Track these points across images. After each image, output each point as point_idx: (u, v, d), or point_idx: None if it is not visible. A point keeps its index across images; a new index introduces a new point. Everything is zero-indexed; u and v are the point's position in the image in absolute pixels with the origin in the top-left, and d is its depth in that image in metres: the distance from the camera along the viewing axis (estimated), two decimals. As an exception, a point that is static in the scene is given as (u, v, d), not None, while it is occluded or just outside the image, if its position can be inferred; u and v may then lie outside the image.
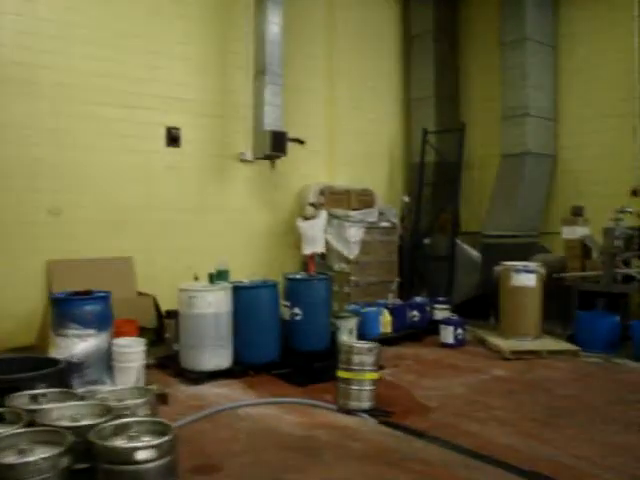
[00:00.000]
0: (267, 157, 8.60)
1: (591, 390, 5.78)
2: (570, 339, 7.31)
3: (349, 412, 5.15)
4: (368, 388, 5.19)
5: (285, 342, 6.83)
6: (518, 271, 7.32)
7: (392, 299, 8.18)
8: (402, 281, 9.90)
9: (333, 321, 7.10)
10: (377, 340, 7.47)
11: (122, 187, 7.92)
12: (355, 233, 8.93)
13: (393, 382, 6.08)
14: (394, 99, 11.00)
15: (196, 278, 6.79)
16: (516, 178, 9.09)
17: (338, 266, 9.06)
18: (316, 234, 8.76)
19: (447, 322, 7.49)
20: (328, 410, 5.22)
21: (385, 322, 7.75)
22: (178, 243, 8.39)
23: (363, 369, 5.18)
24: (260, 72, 8.44)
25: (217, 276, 6.47)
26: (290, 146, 9.48)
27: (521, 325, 7.32)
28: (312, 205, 9.03)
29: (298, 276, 6.90)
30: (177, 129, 8.42)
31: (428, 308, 8.36)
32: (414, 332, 7.96)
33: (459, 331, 7.41)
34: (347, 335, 7.02)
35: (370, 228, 9.15)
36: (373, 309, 7.58)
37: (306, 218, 8.93)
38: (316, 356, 6.62)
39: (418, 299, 8.46)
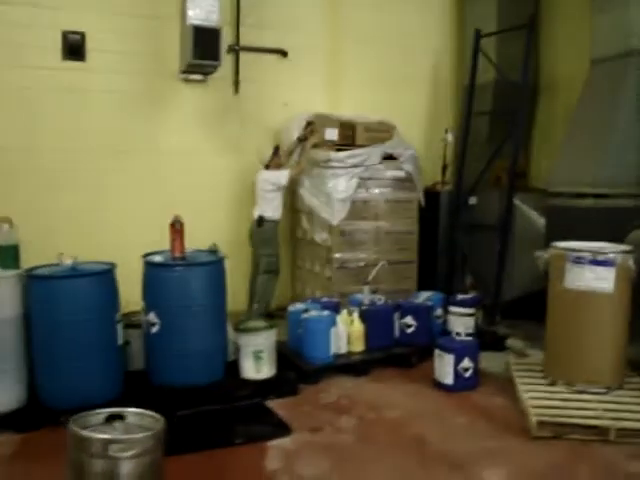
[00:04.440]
0: (192, 69, 5.67)
1: None
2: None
3: None
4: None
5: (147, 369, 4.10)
6: (579, 261, 3.84)
7: (369, 294, 4.97)
8: (434, 264, 6.67)
9: (235, 336, 4.21)
10: (328, 366, 4.51)
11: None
12: (341, 186, 5.78)
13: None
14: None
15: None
16: (611, 98, 5.31)
17: (318, 237, 6.02)
18: (259, 192, 5.81)
19: (444, 346, 4.21)
20: None
21: (354, 335, 4.65)
22: (84, 201, 5.87)
23: (108, 489, 2.29)
24: None
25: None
26: (267, 61, 6.53)
27: (582, 363, 3.89)
28: (275, 149, 6.00)
29: (157, 258, 4.01)
30: (79, 34, 5.78)
31: (439, 312, 5.11)
32: (404, 353, 4.77)
33: (465, 364, 4.13)
34: (253, 362, 4.08)
35: (368, 179, 5.95)
36: (322, 314, 4.50)
37: (266, 167, 5.94)
38: (189, 397, 3.82)
39: (425, 295, 5.20)
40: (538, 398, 3.76)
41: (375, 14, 6.87)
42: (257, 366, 4.05)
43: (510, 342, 5.28)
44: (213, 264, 3.99)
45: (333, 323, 4.44)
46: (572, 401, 3.73)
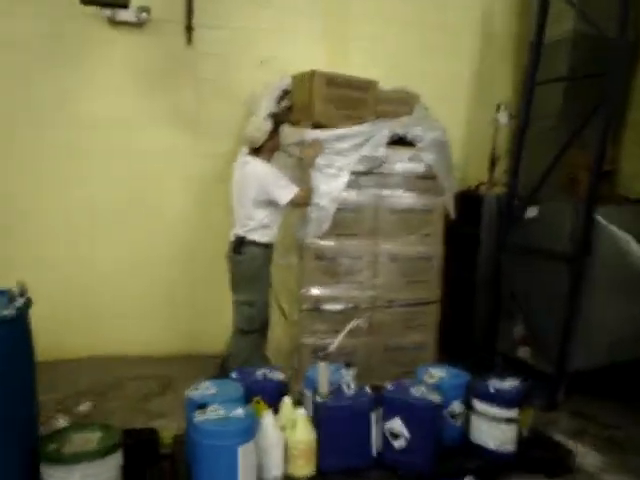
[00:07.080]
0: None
1: None
2: None
3: None
4: None
5: None
6: None
7: (327, 371, 2.86)
8: (469, 307, 4.54)
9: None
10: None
11: None
12: (322, 185, 3.72)
13: None
14: None
15: None
16: None
17: (284, 259, 3.98)
18: (241, 198, 3.55)
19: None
20: None
21: (297, 448, 2.63)
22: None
23: None
24: None
25: None
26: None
27: None
28: (271, 116, 3.74)
29: None
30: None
31: (456, 407, 2.99)
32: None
33: None
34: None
35: (365, 175, 3.84)
36: (228, 417, 2.46)
37: (253, 151, 3.66)
38: None
39: (433, 375, 3.07)
40: None
41: None
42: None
43: (579, 460, 3.12)
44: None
45: (247, 435, 2.41)
46: None
